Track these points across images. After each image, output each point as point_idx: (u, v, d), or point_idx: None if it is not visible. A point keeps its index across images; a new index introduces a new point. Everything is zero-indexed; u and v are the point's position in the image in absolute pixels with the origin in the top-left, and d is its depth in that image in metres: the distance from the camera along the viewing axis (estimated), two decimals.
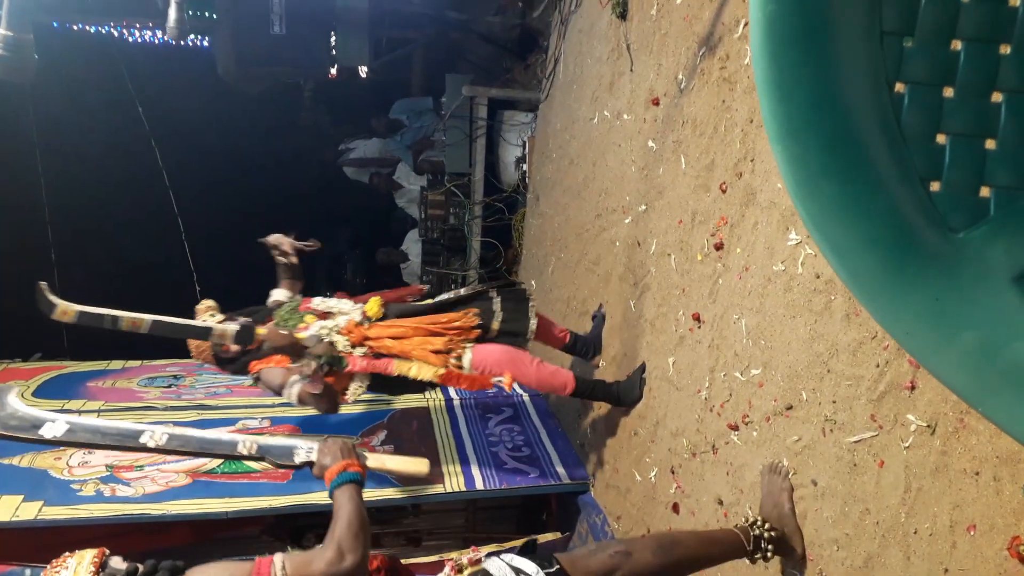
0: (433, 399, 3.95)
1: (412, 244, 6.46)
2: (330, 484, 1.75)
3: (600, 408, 3.28)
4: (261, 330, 2.76)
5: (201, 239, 5.80)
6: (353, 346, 2.89)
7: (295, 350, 2.79)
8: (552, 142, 4.48)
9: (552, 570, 1.69)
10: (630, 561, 1.76)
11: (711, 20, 2.49)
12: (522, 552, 1.78)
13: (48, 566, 1.56)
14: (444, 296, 3.09)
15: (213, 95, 6.74)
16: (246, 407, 3.86)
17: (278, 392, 2.87)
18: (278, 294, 3.15)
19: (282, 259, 3.17)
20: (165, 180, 5.94)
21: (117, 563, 1.59)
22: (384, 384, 2.98)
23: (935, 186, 0.61)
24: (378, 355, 2.88)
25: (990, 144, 0.62)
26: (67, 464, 3.33)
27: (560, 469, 3.40)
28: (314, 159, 7.80)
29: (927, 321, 0.59)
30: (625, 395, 2.95)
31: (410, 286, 3.25)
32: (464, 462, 3.44)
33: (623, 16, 3.21)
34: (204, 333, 2.63)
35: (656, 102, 2.87)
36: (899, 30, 0.59)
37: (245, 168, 7.07)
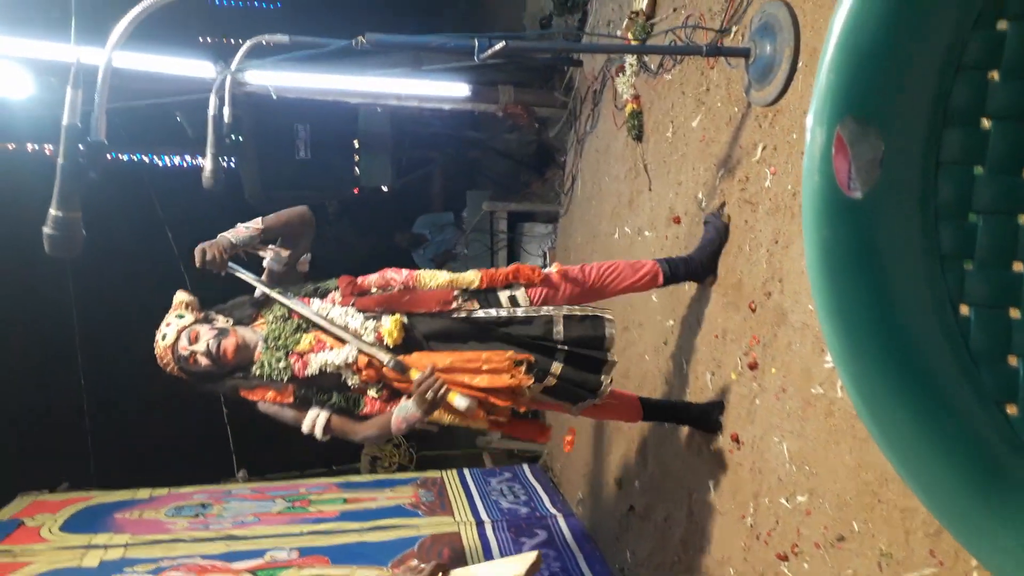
0: (464, 523, 3.85)
1: None
2: None
3: (640, 532, 3.17)
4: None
5: None
6: (366, 384, 2.17)
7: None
8: (573, 255, 4.52)
9: None
10: None
11: (728, 143, 2.54)
12: None
13: None
14: (492, 312, 2.29)
15: (238, 213, 6.91)
16: (274, 536, 3.78)
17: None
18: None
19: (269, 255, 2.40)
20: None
21: None
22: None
23: (1012, 409, 0.59)
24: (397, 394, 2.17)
25: None
26: None
27: None
28: (338, 272, 7.90)
29: (1016, 557, 0.56)
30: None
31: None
32: None
33: (639, 138, 3.28)
34: None
35: (677, 220, 2.90)
36: (958, 252, 0.58)
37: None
